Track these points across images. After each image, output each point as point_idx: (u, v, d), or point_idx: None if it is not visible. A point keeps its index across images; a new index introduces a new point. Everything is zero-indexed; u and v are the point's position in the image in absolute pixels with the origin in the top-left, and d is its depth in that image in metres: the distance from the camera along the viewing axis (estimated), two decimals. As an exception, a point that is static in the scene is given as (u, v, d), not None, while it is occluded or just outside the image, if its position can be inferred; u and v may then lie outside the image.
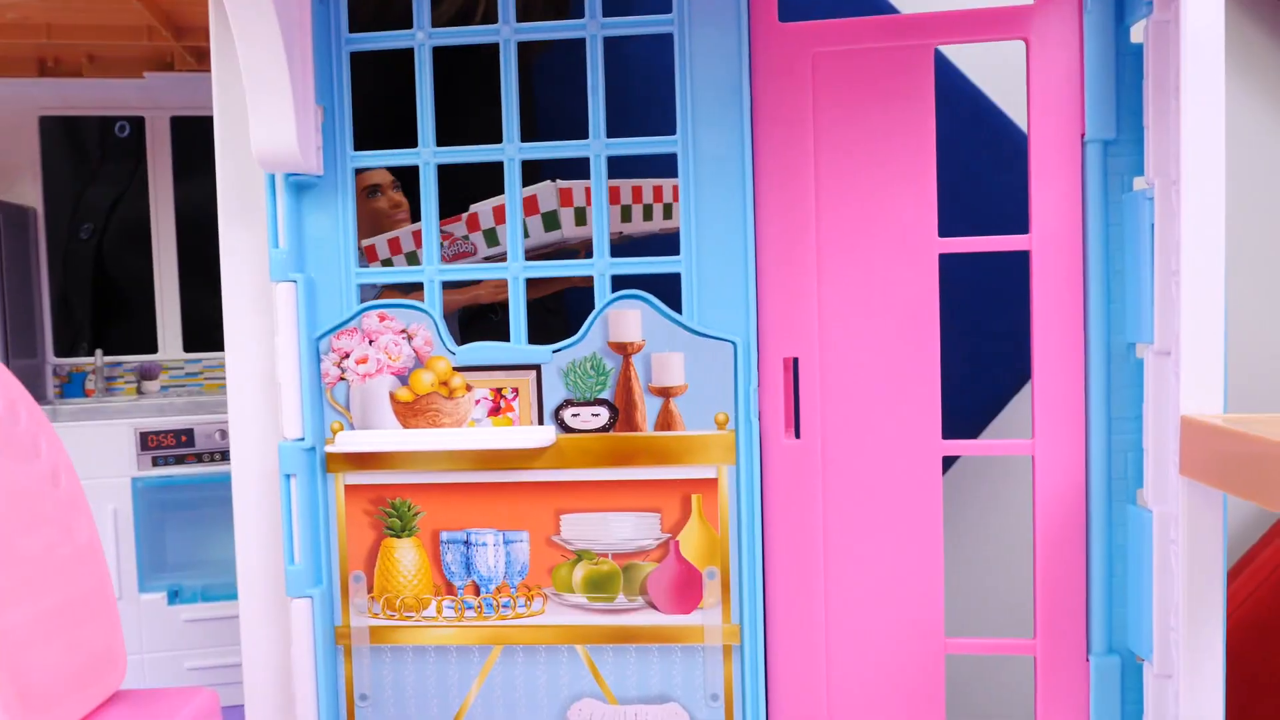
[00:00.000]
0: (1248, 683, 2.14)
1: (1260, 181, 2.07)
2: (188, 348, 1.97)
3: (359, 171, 1.29)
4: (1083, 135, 1.13)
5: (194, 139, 1.94)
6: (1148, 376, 1.08)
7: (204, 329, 1.98)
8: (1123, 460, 1.14)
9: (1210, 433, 0.95)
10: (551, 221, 1.31)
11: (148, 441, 1.77)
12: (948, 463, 1.97)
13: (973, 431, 1.77)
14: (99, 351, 1.91)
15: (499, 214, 1.31)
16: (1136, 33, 1.11)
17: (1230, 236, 1.97)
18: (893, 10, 1.67)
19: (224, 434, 1.80)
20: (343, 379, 1.20)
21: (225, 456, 1.79)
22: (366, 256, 1.41)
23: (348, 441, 1.19)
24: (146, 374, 1.95)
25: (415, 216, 1.52)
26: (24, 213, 1.87)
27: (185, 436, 1.78)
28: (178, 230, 1.97)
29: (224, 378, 1.96)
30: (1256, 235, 2.08)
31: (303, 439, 1.20)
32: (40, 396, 1.91)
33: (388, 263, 1.39)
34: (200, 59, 1.79)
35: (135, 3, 1.49)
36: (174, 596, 1.81)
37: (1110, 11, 1.11)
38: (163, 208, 1.93)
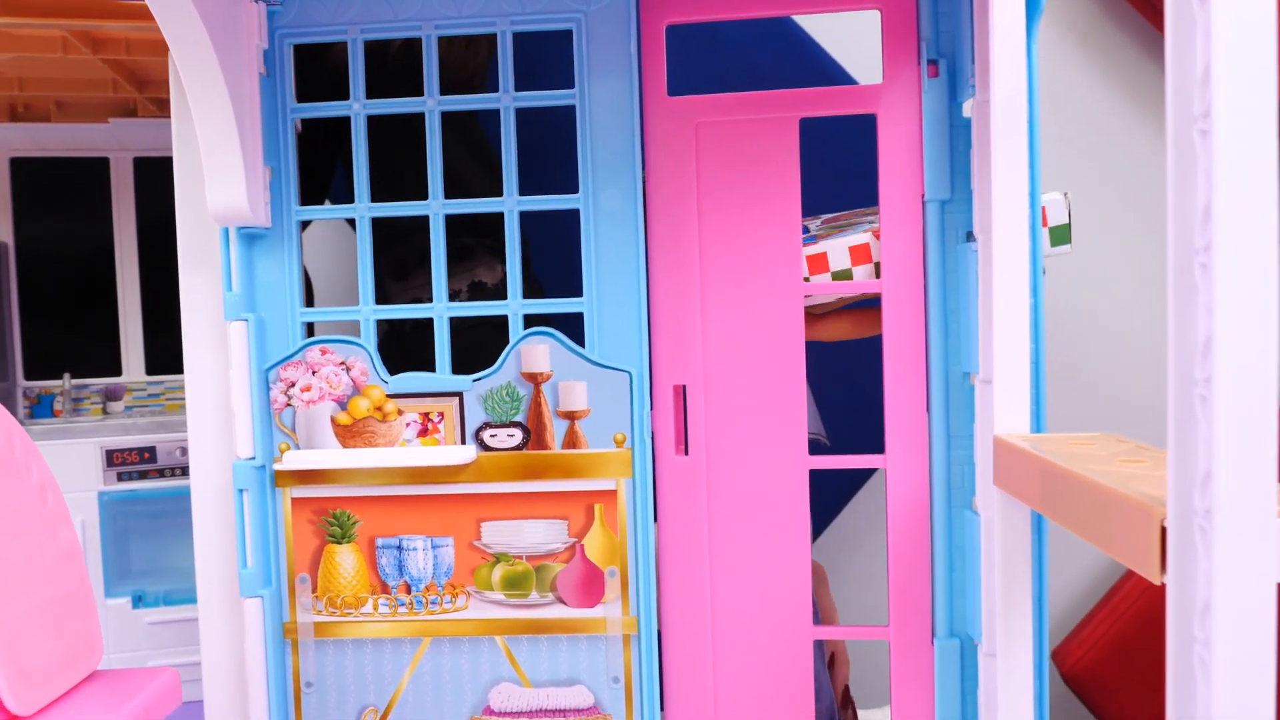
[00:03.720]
0: (1145, 676, 2.33)
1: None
2: (150, 371, 2.12)
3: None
4: (923, 195, 1.32)
5: (155, 177, 2.09)
6: (977, 401, 1.28)
7: (166, 353, 2.13)
8: (960, 472, 1.33)
9: (1011, 450, 1.14)
10: (844, 276, 1.41)
11: (113, 458, 1.92)
12: (868, 474, 2.17)
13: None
14: (67, 375, 2.06)
15: (856, 254, 1.40)
16: (967, 109, 1.30)
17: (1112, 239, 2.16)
18: (843, 73, 1.88)
19: (184, 451, 1.95)
20: (289, 405, 1.37)
21: (185, 472, 1.94)
22: (809, 267, 1.41)
23: (294, 460, 1.36)
24: (111, 395, 2.10)
25: None
26: (-3, 247, 2.02)
27: (148, 453, 1.94)
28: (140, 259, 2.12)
29: (183, 398, 2.13)
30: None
31: (254, 458, 1.36)
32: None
33: (843, 274, 1.40)
34: (161, 106, 1.95)
35: (99, 63, 1.65)
36: (138, 601, 1.96)
37: (944, 91, 1.31)
38: (125, 241, 2.09)
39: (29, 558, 0.91)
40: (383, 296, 1.76)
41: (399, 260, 1.73)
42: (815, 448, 1.42)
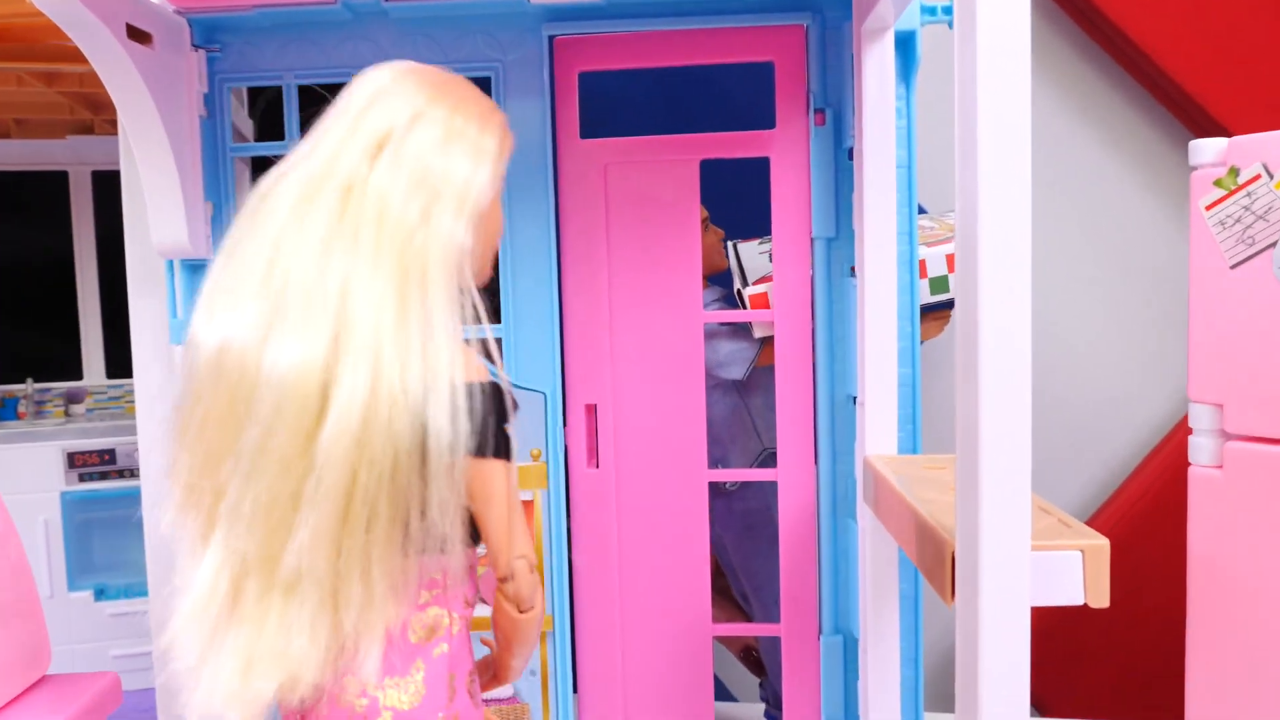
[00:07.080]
0: (1065, 657, 2.44)
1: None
2: (110, 375, 2.23)
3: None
4: (811, 234, 1.44)
5: (113, 189, 2.19)
6: (858, 422, 1.40)
7: (126, 358, 2.24)
8: (844, 486, 1.46)
9: (873, 470, 1.27)
10: (940, 285, 1.57)
11: (74, 460, 2.03)
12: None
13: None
14: (29, 379, 2.17)
15: (951, 262, 1.51)
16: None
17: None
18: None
19: (142, 452, 2.06)
20: (231, 422, 1.49)
21: (143, 472, 2.06)
22: (921, 271, 1.54)
23: (234, 473, 1.47)
24: (73, 398, 2.21)
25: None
26: (-38, 258, 2.13)
27: (108, 455, 2.05)
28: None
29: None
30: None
31: (198, 471, 1.48)
32: (-25, 420, 2.17)
33: (939, 282, 1.57)
34: (115, 125, 2.05)
35: (54, 93, 1.75)
36: (100, 594, 2.08)
37: (830, 137, 1.42)
38: (85, 250, 2.19)
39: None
40: None
41: None
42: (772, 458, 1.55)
